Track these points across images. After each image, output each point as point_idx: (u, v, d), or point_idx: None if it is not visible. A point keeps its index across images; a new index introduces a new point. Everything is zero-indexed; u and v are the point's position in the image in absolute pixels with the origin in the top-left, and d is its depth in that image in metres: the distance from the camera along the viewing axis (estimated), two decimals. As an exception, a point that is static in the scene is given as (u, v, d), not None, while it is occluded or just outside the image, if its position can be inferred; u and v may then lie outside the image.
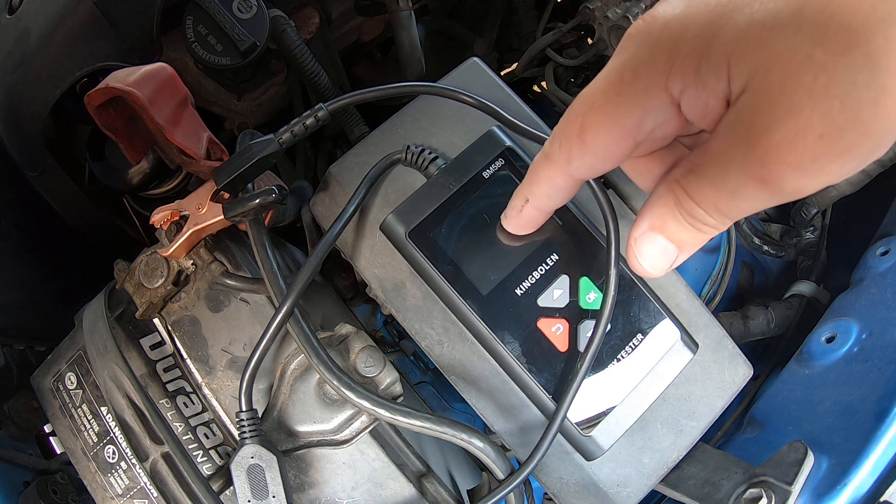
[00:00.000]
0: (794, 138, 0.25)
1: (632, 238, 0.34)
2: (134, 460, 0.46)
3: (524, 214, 0.41)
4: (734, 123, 0.27)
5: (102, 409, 0.47)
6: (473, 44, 0.89)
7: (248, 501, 0.41)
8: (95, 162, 0.62)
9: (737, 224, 0.85)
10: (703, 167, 0.29)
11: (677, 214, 0.31)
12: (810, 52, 0.24)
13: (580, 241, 0.48)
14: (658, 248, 0.33)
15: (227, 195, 0.46)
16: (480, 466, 0.60)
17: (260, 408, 0.45)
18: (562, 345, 0.46)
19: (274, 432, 0.45)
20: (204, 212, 0.46)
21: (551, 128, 0.52)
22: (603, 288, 0.47)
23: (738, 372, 0.50)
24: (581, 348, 0.46)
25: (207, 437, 0.47)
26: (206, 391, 0.47)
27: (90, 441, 0.48)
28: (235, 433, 0.44)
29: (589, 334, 0.46)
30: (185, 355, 0.48)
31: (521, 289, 0.47)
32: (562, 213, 0.48)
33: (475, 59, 0.53)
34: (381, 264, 0.48)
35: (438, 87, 0.50)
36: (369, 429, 0.45)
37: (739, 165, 0.27)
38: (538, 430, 0.47)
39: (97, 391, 0.48)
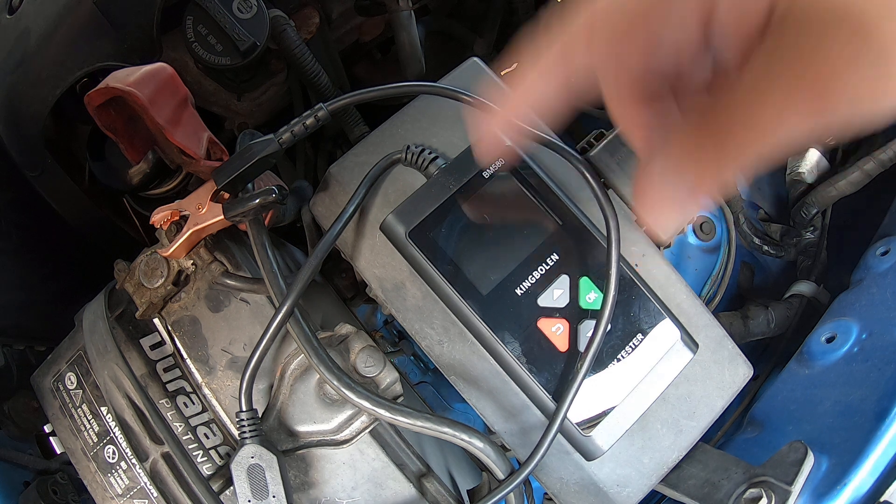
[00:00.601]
0: (851, 60, 0.22)
1: (640, 188, 0.30)
2: (134, 460, 0.46)
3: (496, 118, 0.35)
4: (779, 42, 0.24)
5: (102, 409, 0.47)
6: (473, 44, 0.89)
7: (249, 501, 0.41)
8: (95, 162, 0.62)
9: (737, 224, 0.85)
10: (731, 105, 0.26)
11: (697, 159, 0.27)
12: None
13: (580, 241, 0.48)
14: (671, 200, 0.29)
15: (227, 195, 0.46)
16: (480, 466, 0.60)
17: (260, 408, 0.45)
18: (562, 345, 0.46)
19: (274, 432, 0.45)
20: (204, 212, 0.46)
21: (551, 127, 0.52)
22: (603, 288, 0.47)
23: (738, 372, 0.50)
24: (581, 348, 0.46)
25: (207, 437, 0.47)
26: (206, 391, 0.47)
27: (90, 441, 0.48)
28: (235, 433, 0.44)
29: (589, 334, 0.46)
30: (185, 355, 0.48)
31: (521, 289, 0.47)
32: (562, 212, 0.48)
33: (475, 59, 0.53)
34: (381, 264, 0.48)
35: (438, 87, 0.50)
36: (369, 429, 0.45)
37: (784, 91, 0.24)
38: (538, 431, 0.47)
39: (97, 391, 0.48)
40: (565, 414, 0.44)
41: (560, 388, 0.46)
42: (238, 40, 0.57)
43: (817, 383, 0.60)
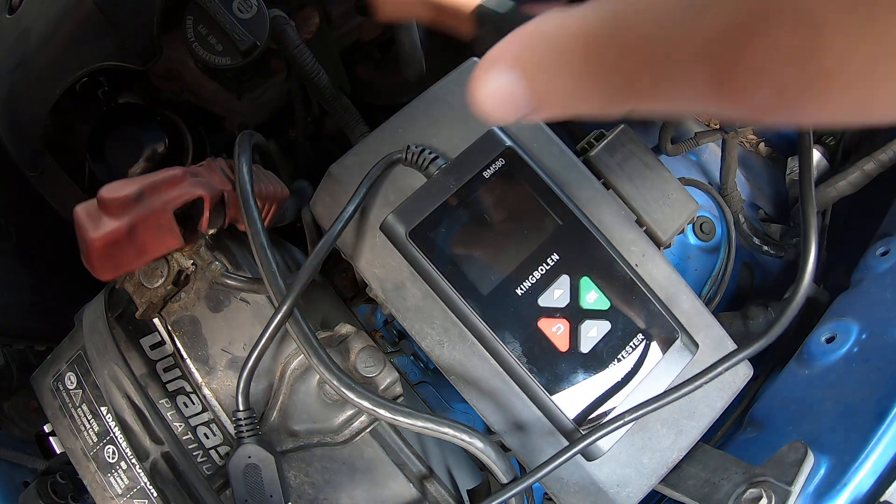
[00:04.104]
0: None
1: (483, 62, 0.25)
2: (134, 460, 0.46)
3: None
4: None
5: (102, 409, 0.47)
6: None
7: (246, 501, 0.41)
8: (95, 162, 0.62)
9: (737, 224, 0.85)
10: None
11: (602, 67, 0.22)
12: None
13: (580, 241, 0.48)
14: (504, 87, 0.24)
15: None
16: (481, 467, 0.60)
17: (260, 408, 0.45)
18: (562, 345, 0.46)
19: (274, 432, 0.45)
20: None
21: (551, 127, 0.52)
22: (603, 288, 0.47)
23: (738, 372, 0.50)
24: (582, 348, 0.46)
25: (207, 437, 0.47)
26: (206, 391, 0.47)
27: (90, 441, 0.48)
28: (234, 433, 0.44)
29: (590, 334, 0.46)
30: (185, 355, 0.48)
31: (521, 289, 0.47)
32: (562, 212, 0.48)
33: (475, 59, 0.53)
34: (381, 264, 0.48)
35: None
36: (369, 429, 0.45)
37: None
38: (539, 431, 0.47)
39: (97, 391, 0.47)
40: (586, 445, 0.44)
41: (561, 387, 0.46)
42: (238, 40, 0.57)
43: (817, 383, 0.60)
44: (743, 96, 0.20)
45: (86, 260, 0.42)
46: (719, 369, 0.44)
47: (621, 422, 0.44)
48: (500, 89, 0.24)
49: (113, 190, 0.42)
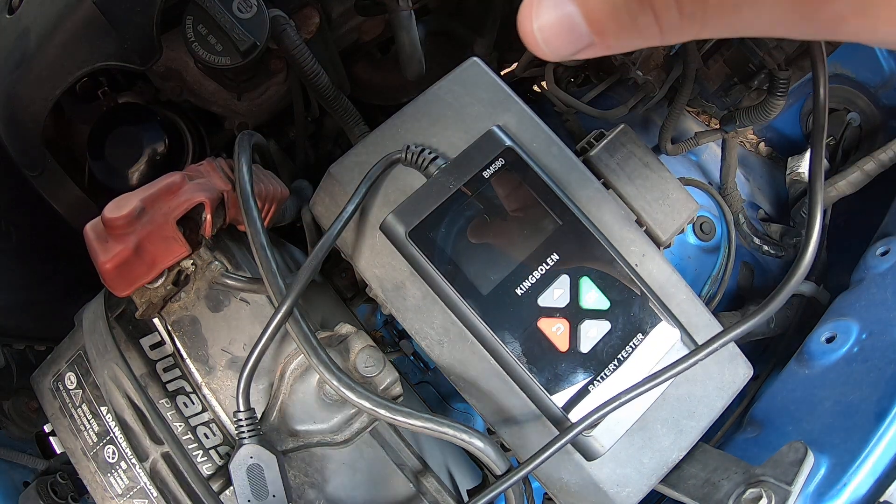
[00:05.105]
0: None
1: None
2: (134, 460, 0.46)
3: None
4: None
5: (102, 409, 0.47)
6: (473, 44, 0.89)
7: (249, 501, 0.41)
8: (95, 162, 0.62)
9: (737, 224, 0.85)
10: None
11: None
12: None
13: (580, 241, 0.48)
14: (560, 17, 0.23)
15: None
16: (480, 466, 0.60)
17: (260, 407, 0.45)
18: (562, 345, 0.46)
19: (274, 432, 0.45)
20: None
21: (551, 127, 0.52)
22: (603, 288, 0.47)
23: (738, 372, 0.50)
24: (582, 348, 0.46)
25: (207, 437, 0.47)
26: (206, 391, 0.47)
27: (90, 441, 0.48)
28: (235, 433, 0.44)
29: (590, 334, 0.46)
30: (184, 355, 0.48)
31: (521, 289, 0.47)
32: (562, 212, 0.48)
33: (475, 59, 0.53)
34: (381, 264, 0.48)
35: None
36: (369, 429, 0.45)
37: None
38: (538, 430, 0.47)
39: (97, 391, 0.47)
40: (580, 431, 0.43)
41: (562, 388, 0.46)
42: (238, 40, 0.57)
43: (817, 383, 0.60)
44: (823, 5, 0.19)
45: (101, 279, 0.43)
46: (709, 349, 0.42)
47: (610, 407, 0.43)
48: (556, 19, 0.23)
49: (115, 209, 0.43)
